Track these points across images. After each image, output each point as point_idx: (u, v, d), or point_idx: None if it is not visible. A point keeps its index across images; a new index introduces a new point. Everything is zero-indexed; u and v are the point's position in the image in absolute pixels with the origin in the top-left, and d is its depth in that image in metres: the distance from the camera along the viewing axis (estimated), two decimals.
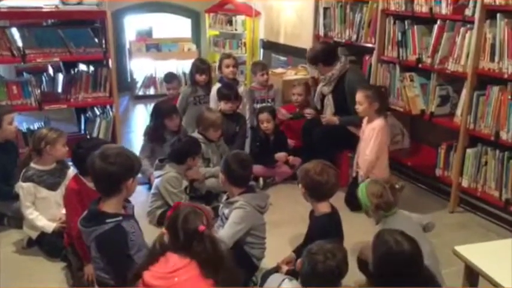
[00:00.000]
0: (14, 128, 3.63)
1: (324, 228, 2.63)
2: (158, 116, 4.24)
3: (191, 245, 2.00)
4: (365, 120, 3.79)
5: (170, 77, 5.28)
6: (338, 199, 3.80)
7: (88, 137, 4.53)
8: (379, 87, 3.96)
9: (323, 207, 2.72)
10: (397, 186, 2.72)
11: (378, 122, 3.68)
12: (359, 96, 3.69)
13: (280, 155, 4.34)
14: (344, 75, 4.17)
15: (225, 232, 2.69)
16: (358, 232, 3.07)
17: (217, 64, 5.12)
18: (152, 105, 4.66)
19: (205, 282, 1.98)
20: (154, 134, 4.20)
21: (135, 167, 2.43)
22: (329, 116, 4.19)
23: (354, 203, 3.80)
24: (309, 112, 4.49)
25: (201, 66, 4.72)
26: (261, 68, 4.97)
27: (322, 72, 4.30)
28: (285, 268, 2.72)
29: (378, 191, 2.66)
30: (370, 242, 2.82)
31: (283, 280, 2.45)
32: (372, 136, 3.66)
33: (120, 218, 2.37)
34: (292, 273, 2.57)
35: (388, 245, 2.07)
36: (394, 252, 2.05)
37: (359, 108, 3.71)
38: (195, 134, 4.05)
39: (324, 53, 4.22)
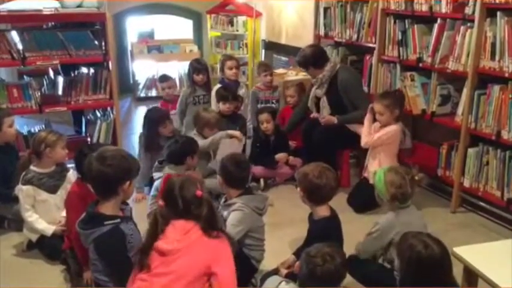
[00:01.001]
0: (14, 130, 3.64)
1: (323, 232, 2.60)
2: (151, 124, 4.21)
3: (190, 210, 2.15)
4: (376, 124, 3.76)
5: (164, 77, 5.25)
6: (341, 200, 3.81)
7: (89, 139, 4.54)
8: (395, 92, 3.91)
9: (322, 211, 2.69)
10: (416, 177, 2.69)
11: (393, 127, 3.69)
12: (378, 107, 3.66)
13: (281, 156, 4.32)
14: (335, 75, 4.14)
15: None
16: (361, 234, 3.04)
17: (218, 66, 5.10)
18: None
19: (210, 240, 2.15)
20: (149, 143, 4.17)
21: (133, 170, 2.42)
22: (327, 116, 4.18)
23: (359, 205, 3.80)
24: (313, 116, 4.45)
25: (197, 66, 4.72)
26: (264, 68, 4.97)
27: (313, 74, 4.27)
28: (284, 271, 2.70)
29: (397, 181, 2.62)
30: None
31: (280, 283, 2.43)
32: (382, 133, 3.68)
33: (118, 220, 2.36)
34: (291, 276, 2.55)
35: (417, 249, 2.02)
36: (424, 256, 2.00)
37: (380, 118, 3.68)
38: (193, 132, 4.05)
39: (314, 56, 4.18)
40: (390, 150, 3.74)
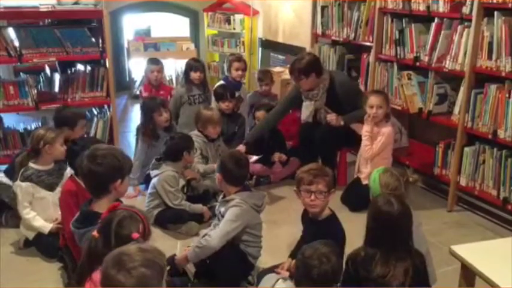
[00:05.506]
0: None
1: (326, 231, 2.54)
2: (147, 112, 4.22)
3: None
4: (369, 125, 3.71)
5: (156, 60, 5.12)
6: (336, 198, 3.81)
7: (85, 136, 4.51)
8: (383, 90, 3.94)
9: (326, 210, 2.68)
10: (411, 179, 2.70)
11: (387, 129, 3.71)
12: (379, 100, 3.65)
13: (275, 155, 4.28)
14: (332, 81, 4.03)
15: (220, 229, 2.68)
16: (357, 232, 3.04)
17: (225, 64, 5.08)
18: None
19: None
20: (146, 130, 4.18)
21: (124, 169, 2.41)
22: (334, 115, 4.02)
23: (353, 203, 3.81)
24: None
25: (194, 63, 4.73)
26: (259, 77, 5.02)
27: (310, 86, 3.98)
28: (286, 273, 2.66)
29: (392, 184, 2.62)
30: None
31: (277, 280, 2.43)
32: (380, 141, 3.70)
33: None
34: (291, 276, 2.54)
35: (378, 204, 2.18)
36: (381, 210, 2.16)
37: (378, 111, 3.64)
38: (195, 132, 4.04)
39: (316, 63, 3.96)
40: (385, 152, 3.76)
